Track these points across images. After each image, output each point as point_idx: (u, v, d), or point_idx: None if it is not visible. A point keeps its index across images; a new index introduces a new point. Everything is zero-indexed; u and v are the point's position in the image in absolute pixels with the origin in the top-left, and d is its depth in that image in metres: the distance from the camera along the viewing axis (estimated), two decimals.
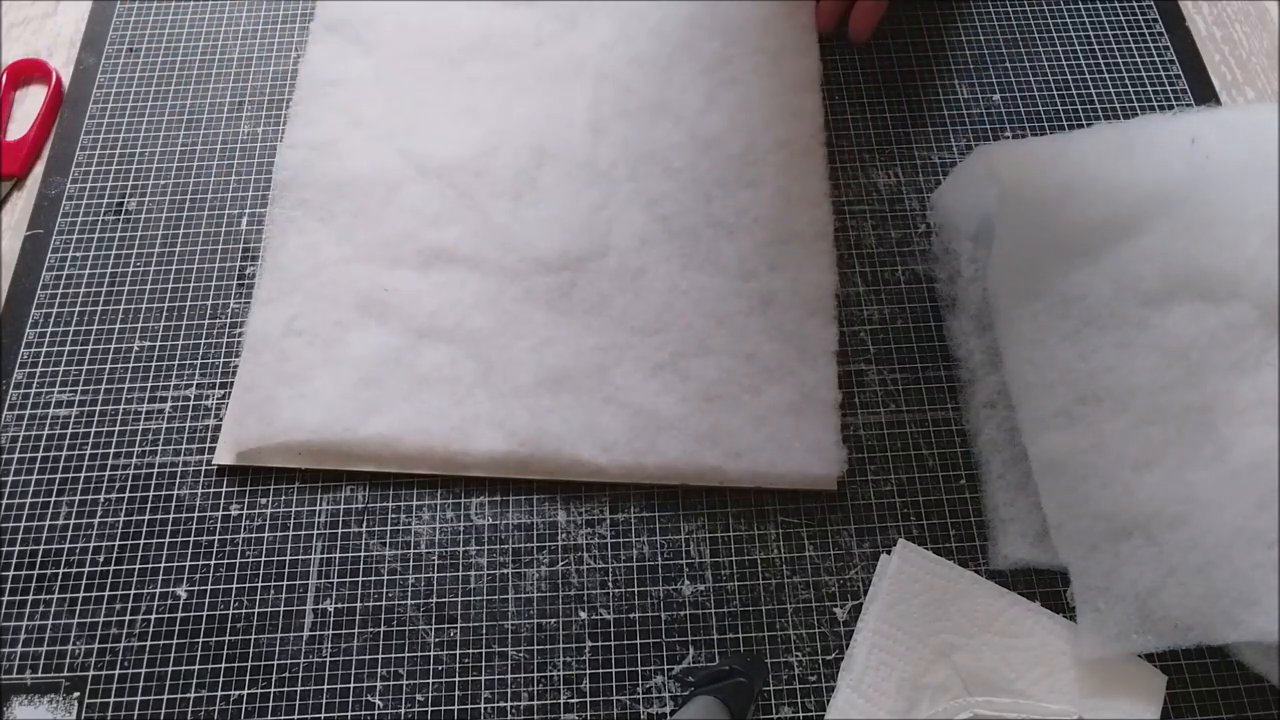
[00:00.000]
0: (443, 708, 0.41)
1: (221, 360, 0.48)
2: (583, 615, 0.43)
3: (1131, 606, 0.40)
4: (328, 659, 0.42)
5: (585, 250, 0.50)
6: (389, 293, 0.48)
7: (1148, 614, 0.40)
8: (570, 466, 0.45)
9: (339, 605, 0.43)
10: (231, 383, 0.47)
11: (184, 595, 0.43)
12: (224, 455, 0.45)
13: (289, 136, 0.53)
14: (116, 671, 0.41)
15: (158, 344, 0.48)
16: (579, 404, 0.46)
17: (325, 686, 0.41)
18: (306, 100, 0.54)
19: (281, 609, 0.43)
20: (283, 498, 0.45)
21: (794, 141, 0.53)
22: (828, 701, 0.41)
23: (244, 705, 0.41)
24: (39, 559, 0.43)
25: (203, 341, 0.48)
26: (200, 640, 0.42)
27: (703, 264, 0.49)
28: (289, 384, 0.46)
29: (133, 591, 0.43)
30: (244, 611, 0.42)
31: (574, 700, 0.41)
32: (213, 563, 0.43)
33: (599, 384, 0.46)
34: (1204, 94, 0.56)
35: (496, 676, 0.41)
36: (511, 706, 0.41)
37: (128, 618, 0.42)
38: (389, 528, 0.44)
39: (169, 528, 0.44)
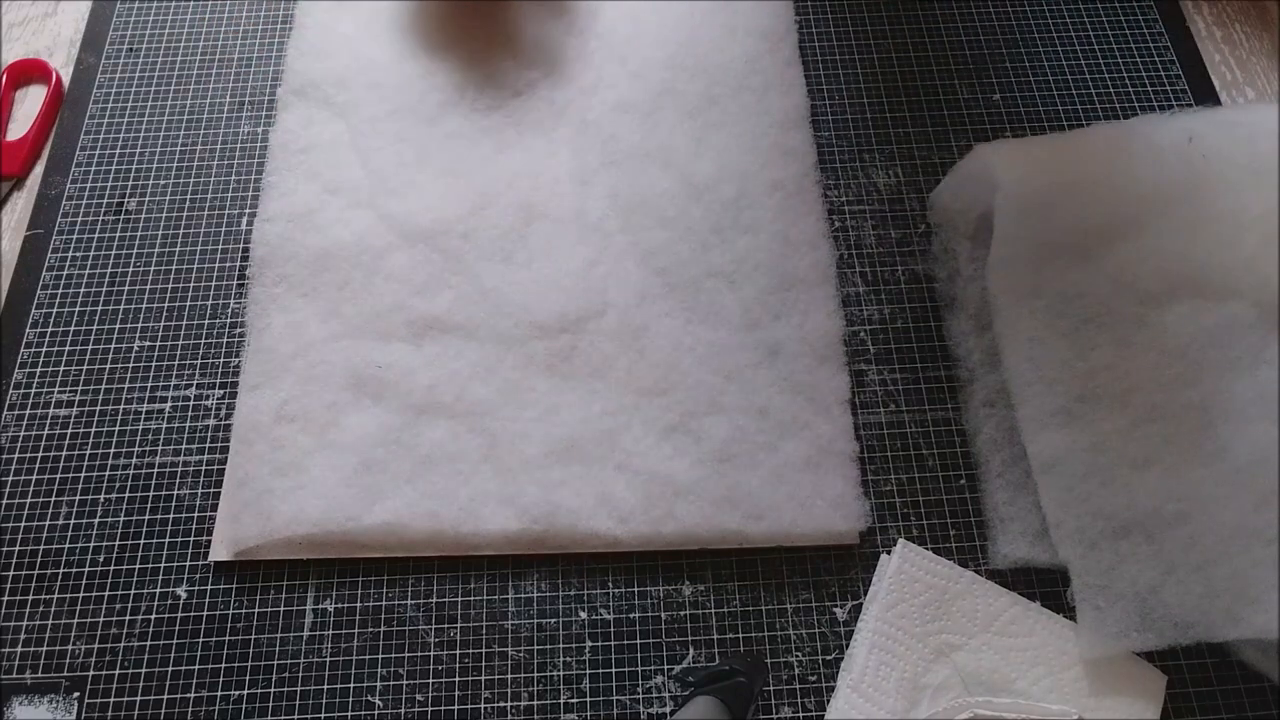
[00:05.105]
0: (443, 708, 0.41)
1: (221, 360, 0.48)
2: (583, 615, 0.43)
3: (1131, 605, 0.41)
4: (328, 659, 0.42)
5: (583, 310, 0.48)
6: (382, 369, 0.46)
7: (1148, 612, 0.40)
8: (586, 540, 0.43)
9: (339, 605, 0.43)
10: (233, 388, 0.47)
11: (184, 595, 0.43)
12: (220, 552, 0.43)
13: (264, 209, 0.51)
14: (116, 671, 0.41)
15: (158, 344, 0.48)
16: (590, 474, 0.44)
17: (325, 686, 0.41)
18: (280, 170, 0.52)
19: (281, 609, 0.43)
20: None
21: (788, 182, 0.52)
22: (828, 701, 0.41)
23: (244, 705, 0.41)
24: (39, 559, 0.43)
25: (203, 341, 0.48)
26: (200, 640, 0.42)
27: (705, 317, 0.48)
28: (285, 475, 0.44)
29: (133, 591, 0.43)
30: (244, 611, 0.42)
31: (574, 700, 0.41)
32: (213, 562, 0.43)
33: (609, 451, 0.45)
34: (1204, 94, 0.56)
35: (496, 676, 0.41)
36: (511, 706, 0.41)
37: (128, 618, 0.42)
38: None
39: (169, 528, 0.44)
